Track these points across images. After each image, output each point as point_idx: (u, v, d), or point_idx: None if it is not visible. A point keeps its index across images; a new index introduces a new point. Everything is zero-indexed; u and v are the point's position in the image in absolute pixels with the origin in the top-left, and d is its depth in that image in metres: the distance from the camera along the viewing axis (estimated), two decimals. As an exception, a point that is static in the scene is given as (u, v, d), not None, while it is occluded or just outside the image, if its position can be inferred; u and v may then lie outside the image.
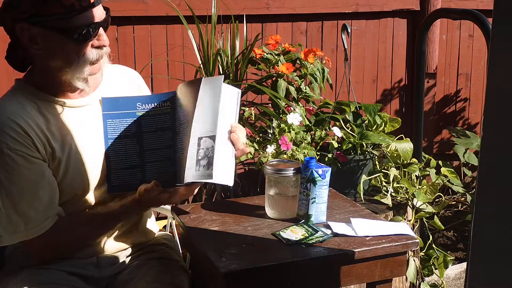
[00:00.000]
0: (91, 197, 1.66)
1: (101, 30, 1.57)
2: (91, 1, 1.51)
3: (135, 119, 1.69)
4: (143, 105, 1.71)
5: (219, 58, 2.60)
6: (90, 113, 1.67)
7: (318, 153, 2.39)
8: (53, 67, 1.58)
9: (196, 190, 1.71)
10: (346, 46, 2.54)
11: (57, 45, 1.53)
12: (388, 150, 2.45)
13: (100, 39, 1.57)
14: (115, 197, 1.69)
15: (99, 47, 1.58)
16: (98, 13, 1.54)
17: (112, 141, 1.68)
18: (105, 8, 1.59)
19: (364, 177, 2.38)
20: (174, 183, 1.63)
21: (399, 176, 2.45)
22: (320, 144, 2.44)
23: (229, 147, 1.63)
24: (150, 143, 1.69)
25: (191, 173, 1.58)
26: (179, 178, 1.63)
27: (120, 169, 1.68)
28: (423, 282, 2.60)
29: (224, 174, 1.58)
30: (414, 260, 2.39)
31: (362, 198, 2.35)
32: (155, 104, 1.71)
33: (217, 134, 1.58)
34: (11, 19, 1.53)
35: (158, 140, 1.69)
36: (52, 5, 1.47)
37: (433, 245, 2.60)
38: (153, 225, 1.92)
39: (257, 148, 2.36)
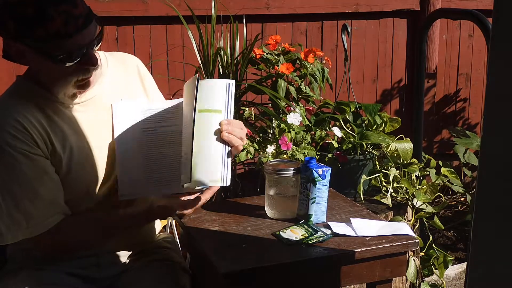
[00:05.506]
0: (95, 195, 1.65)
1: (90, 50, 1.51)
2: (77, 27, 1.45)
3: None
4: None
5: (219, 58, 2.59)
6: (91, 108, 1.65)
7: (318, 153, 2.39)
8: (41, 78, 1.58)
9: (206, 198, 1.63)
10: (346, 46, 2.54)
11: (42, 64, 1.51)
12: (388, 150, 2.45)
13: (86, 60, 1.51)
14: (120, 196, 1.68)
15: (86, 68, 1.54)
16: (87, 35, 1.49)
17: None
18: (99, 21, 1.52)
19: (364, 177, 2.38)
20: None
21: (399, 176, 2.45)
22: (320, 144, 2.44)
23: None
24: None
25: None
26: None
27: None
28: (423, 282, 2.60)
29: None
30: (414, 260, 2.39)
31: (362, 198, 2.35)
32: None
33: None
34: None
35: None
36: (36, 31, 1.43)
37: (433, 245, 2.60)
38: (154, 225, 1.91)
39: (257, 148, 2.36)
